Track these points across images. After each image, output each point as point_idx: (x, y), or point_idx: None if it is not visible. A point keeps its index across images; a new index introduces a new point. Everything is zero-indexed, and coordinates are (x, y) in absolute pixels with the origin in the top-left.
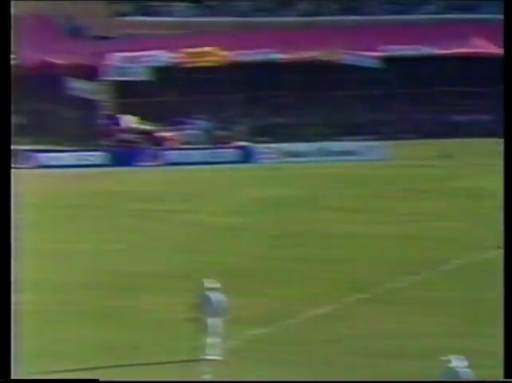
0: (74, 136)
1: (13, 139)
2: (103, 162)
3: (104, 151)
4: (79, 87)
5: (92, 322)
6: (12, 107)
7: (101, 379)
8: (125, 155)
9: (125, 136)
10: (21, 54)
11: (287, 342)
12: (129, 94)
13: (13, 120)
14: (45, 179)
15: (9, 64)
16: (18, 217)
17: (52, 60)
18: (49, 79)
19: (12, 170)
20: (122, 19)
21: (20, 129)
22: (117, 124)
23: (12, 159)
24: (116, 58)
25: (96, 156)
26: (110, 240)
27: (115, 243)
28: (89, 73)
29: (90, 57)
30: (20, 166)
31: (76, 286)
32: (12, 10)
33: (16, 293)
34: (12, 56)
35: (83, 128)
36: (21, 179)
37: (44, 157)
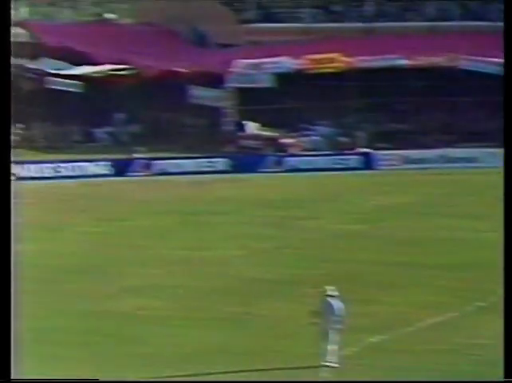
0: (197, 143)
1: (132, 147)
2: (225, 168)
3: (227, 157)
4: (202, 95)
5: (214, 328)
6: (133, 116)
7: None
8: (248, 161)
9: (248, 143)
10: (144, 63)
11: (403, 350)
12: (252, 101)
13: (134, 128)
14: (167, 186)
15: (9, 70)
16: (146, 224)
17: (175, 68)
18: (172, 88)
19: (134, 177)
20: (246, 26)
21: (139, 137)
22: (241, 130)
23: (128, 168)
24: (240, 65)
25: (218, 163)
26: (232, 247)
27: (237, 250)
28: (213, 80)
29: (214, 65)
30: (139, 174)
31: (201, 292)
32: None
33: (140, 298)
34: (131, 65)
35: (206, 135)
36: (147, 186)
37: (164, 164)
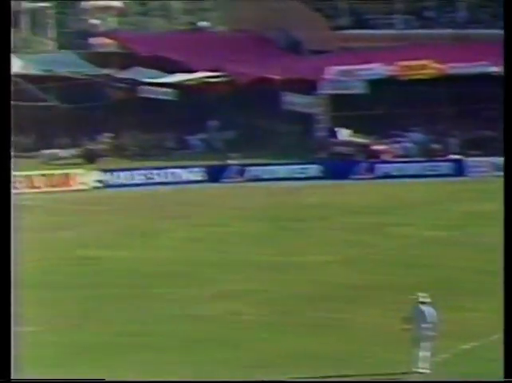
0: (289, 150)
1: (225, 153)
2: (318, 175)
3: (319, 163)
4: (295, 101)
5: (305, 333)
6: (226, 122)
7: None
8: (340, 167)
9: (340, 149)
10: (237, 70)
11: (495, 359)
12: (345, 107)
13: (227, 135)
14: (260, 192)
15: (9, 74)
16: (239, 230)
17: (268, 75)
18: (265, 94)
19: (227, 183)
20: (339, 33)
21: (233, 144)
22: (334, 137)
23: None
24: (332, 72)
25: (311, 169)
26: (323, 252)
27: (328, 256)
28: (306, 87)
29: (307, 72)
30: (232, 180)
31: (291, 297)
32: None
33: (232, 303)
34: (224, 73)
35: (298, 141)
36: (240, 192)
37: (257, 171)
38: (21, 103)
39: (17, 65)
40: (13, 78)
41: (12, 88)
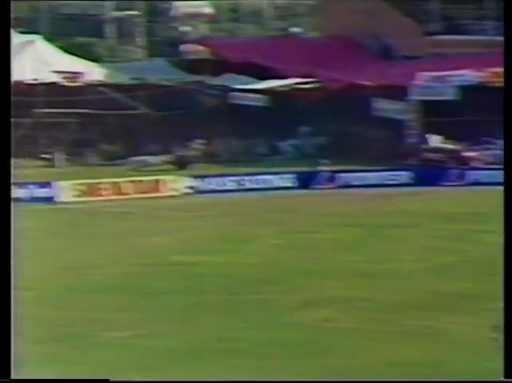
0: (380, 156)
1: (316, 159)
2: (408, 181)
3: (410, 170)
4: (386, 107)
5: (396, 341)
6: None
7: None
8: (430, 174)
9: (431, 156)
10: (329, 76)
11: None
12: (435, 114)
13: (318, 141)
14: (350, 198)
15: (10, 78)
16: (330, 237)
17: (360, 81)
18: (356, 100)
19: (318, 190)
20: (430, 38)
21: (323, 150)
22: (424, 143)
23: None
24: (423, 78)
25: (401, 176)
26: (414, 260)
27: (419, 263)
28: (397, 93)
29: (398, 77)
30: (323, 186)
31: (383, 305)
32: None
33: (323, 310)
34: (316, 79)
35: (389, 148)
36: (331, 199)
37: (348, 177)
38: (109, 111)
39: (103, 74)
40: (100, 88)
41: (99, 97)
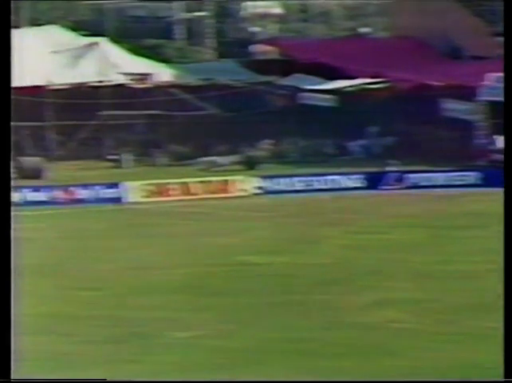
0: (447, 157)
1: (384, 160)
2: (476, 182)
3: (478, 171)
4: (455, 108)
5: (465, 342)
6: (386, 129)
7: None
8: (498, 175)
9: (499, 157)
10: (397, 76)
11: None
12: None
13: (387, 141)
14: (417, 199)
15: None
16: (397, 237)
17: (428, 81)
18: (424, 100)
19: (386, 190)
20: (499, 39)
21: (391, 150)
22: (492, 144)
23: (380, 181)
24: (492, 78)
25: (469, 177)
26: (480, 261)
27: (485, 264)
28: (465, 93)
29: (467, 78)
30: (391, 187)
31: (450, 306)
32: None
33: (390, 310)
34: (385, 79)
35: (457, 148)
36: (398, 199)
37: (415, 178)
38: (177, 112)
39: (172, 75)
40: (169, 89)
41: (168, 98)
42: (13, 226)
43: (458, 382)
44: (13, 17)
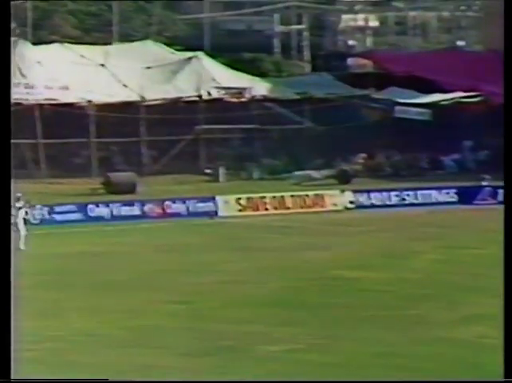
0: None
1: (478, 174)
2: None
3: None
4: None
5: None
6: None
7: None
8: None
9: None
10: (492, 90)
11: None
12: None
13: (481, 155)
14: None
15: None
16: (490, 253)
17: None
18: None
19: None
20: None
21: (485, 165)
22: None
23: (474, 196)
24: None
25: None
26: None
27: None
28: None
29: None
30: (485, 202)
31: None
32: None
33: (481, 326)
34: (480, 93)
35: None
36: (492, 214)
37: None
38: (273, 126)
39: (268, 89)
40: (264, 103)
41: (264, 112)
42: (105, 240)
43: (458, 382)
44: (103, 34)
